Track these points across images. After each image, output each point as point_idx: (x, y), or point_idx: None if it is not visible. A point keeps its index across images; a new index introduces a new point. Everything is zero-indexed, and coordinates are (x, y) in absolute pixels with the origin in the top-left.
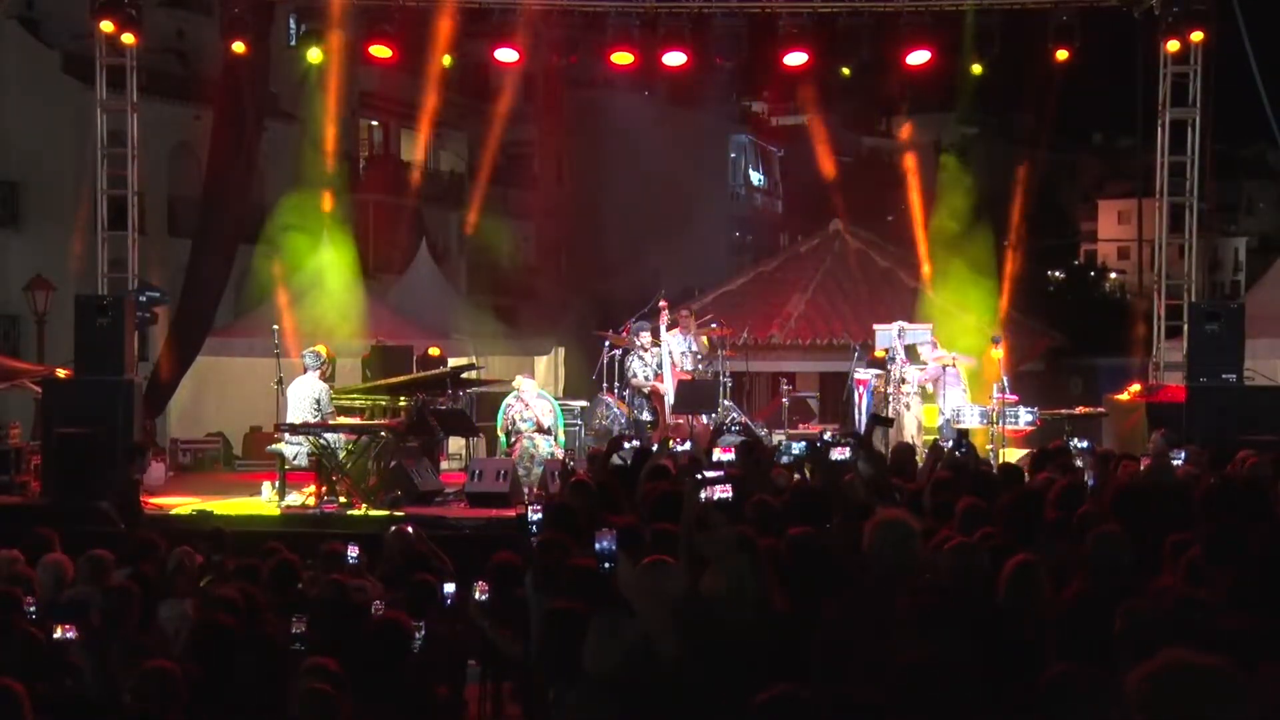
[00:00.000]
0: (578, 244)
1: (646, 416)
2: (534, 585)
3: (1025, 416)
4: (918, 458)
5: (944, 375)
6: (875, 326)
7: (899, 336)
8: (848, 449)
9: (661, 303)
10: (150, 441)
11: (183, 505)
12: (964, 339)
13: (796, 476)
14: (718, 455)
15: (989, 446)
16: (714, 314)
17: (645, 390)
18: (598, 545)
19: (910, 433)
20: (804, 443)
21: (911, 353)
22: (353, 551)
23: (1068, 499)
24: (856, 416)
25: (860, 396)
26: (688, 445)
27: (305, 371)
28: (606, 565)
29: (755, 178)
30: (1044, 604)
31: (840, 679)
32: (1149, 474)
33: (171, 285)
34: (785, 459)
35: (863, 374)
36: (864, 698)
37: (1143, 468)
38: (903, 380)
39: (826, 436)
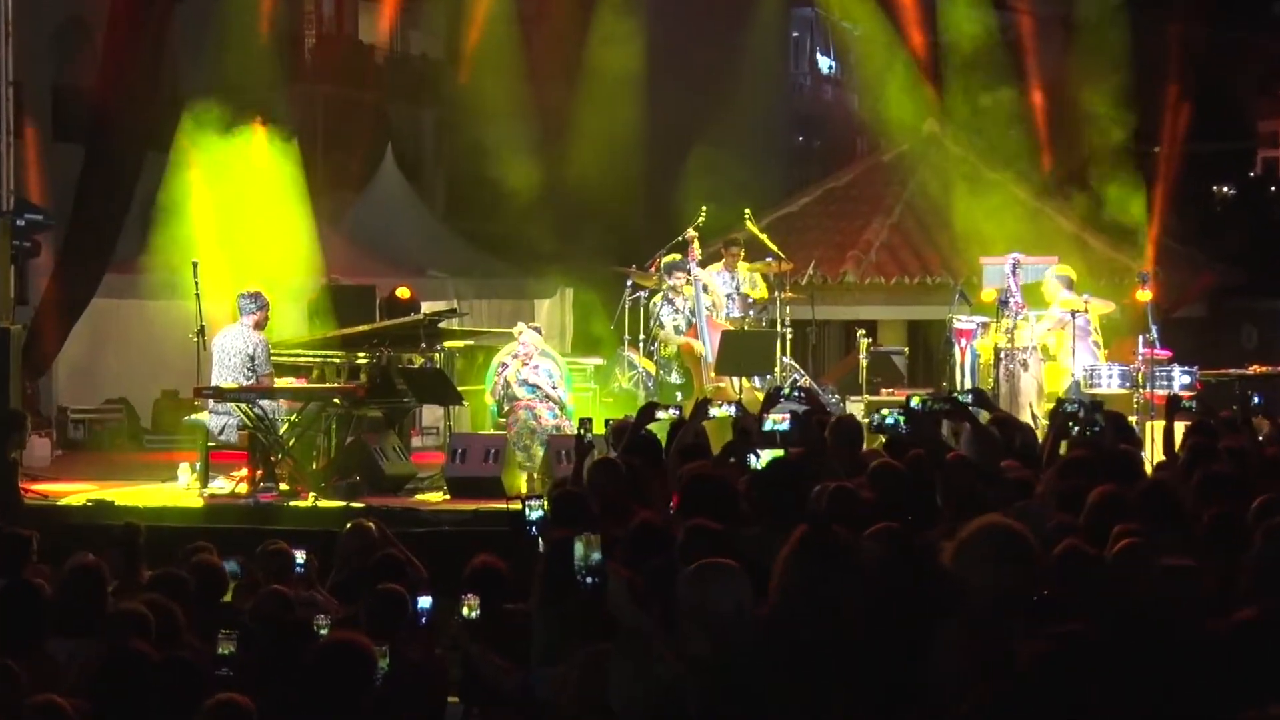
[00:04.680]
0: (591, 152)
1: (675, 378)
2: (542, 601)
3: (1182, 378)
4: (1038, 432)
5: (1073, 324)
6: (982, 260)
7: (1014, 273)
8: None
9: (690, 231)
10: (31, 410)
11: (75, 493)
12: (1100, 275)
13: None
14: (771, 424)
15: (1134, 418)
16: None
17: (674, 345)
18: (578, 555)
19: (1029, 400)
20: (898, 412)
21: (1033, 294)
22: (299, 557)
23: (1238, 488)
24: (958, 379)
25: (962, 352)
26: (732, 409)
27: (239, 318)
28: (589, 580)
29: (824, 64)
30: (1208, 624)
31: None
32: None
33: (59, 205)
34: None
35: (965, 323)
36: None
37: None
38: (1017, 330)
39: (914, 403)
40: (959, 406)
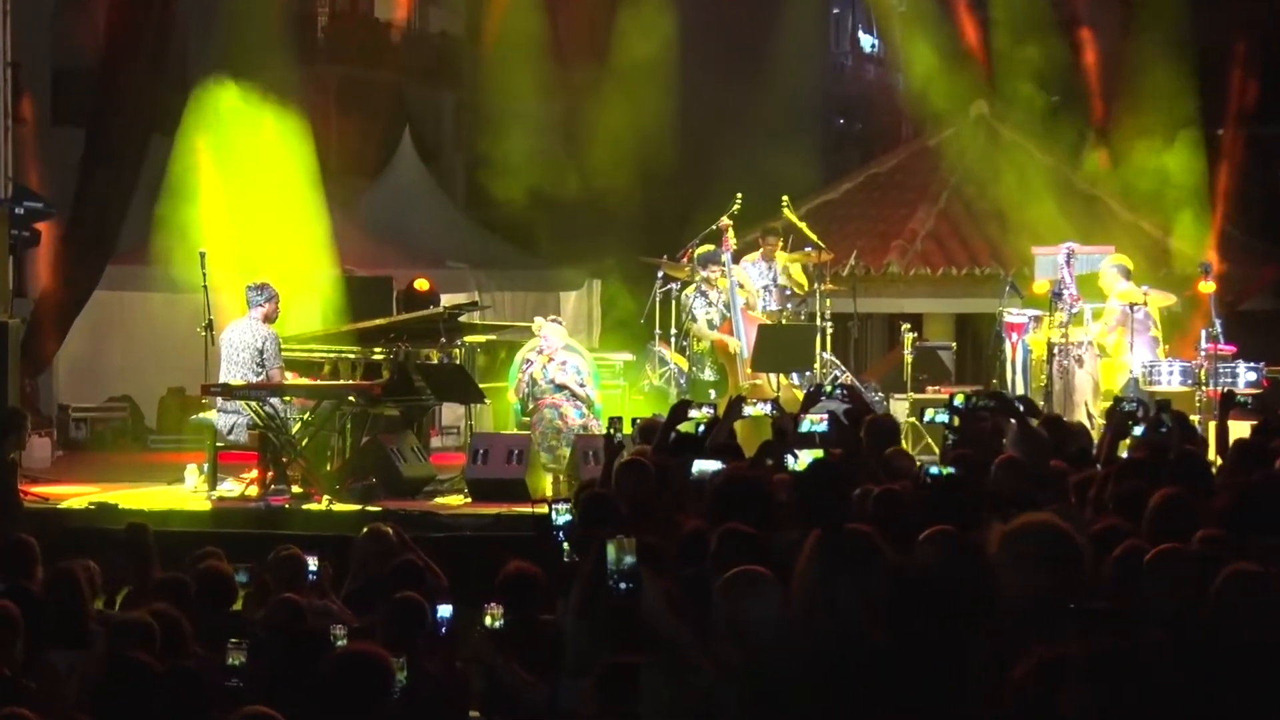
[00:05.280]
0: (619, 135)
1: (709, 375)
2: (574, 609)
3: (1247, 375)
4: (1093, 432)
5: (1130, 318)
6: (1035, 250)
7: (1068, 264)
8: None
9: (724, 220)
10: (31, 409)
11: (77, 496)
12: (1159, 265)
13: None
14: (809, 425)
15: (1195, 417)
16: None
17: (706, 341)
18: (610, 559)
19: (1085, 398)
20: (946, 412)
21: (1088, 285)
22: (312, 563)
23: None
24: (1009, 375)
25: (1014, 347)
26: (768, 408)
27: (247, 312)
28: (623, 585)
29: (867, 42)
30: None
31: None
32: None
33: (59, 192)
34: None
35: (1016, 316)
36: None
37: None
38: (1071, 324)
39: (958, 401)
40: (1006, 404)
